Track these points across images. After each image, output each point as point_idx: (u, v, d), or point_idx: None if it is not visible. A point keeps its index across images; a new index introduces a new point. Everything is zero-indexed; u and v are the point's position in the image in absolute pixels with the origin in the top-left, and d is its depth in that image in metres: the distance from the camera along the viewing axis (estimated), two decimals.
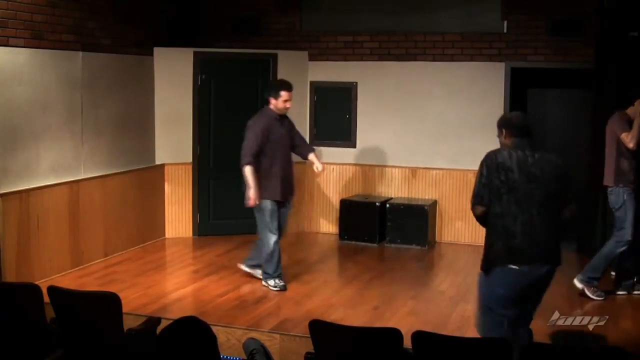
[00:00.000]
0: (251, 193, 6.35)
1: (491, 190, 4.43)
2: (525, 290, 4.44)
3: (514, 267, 4.36)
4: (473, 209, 4.53)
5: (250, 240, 8.33)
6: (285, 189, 6.57)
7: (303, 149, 6.85)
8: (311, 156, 6.80)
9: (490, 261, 4.46)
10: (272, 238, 6.47)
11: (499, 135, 4.69)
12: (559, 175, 4.48)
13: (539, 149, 4.55)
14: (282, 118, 6.58)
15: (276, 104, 6.48)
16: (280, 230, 6.64)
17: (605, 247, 6.37)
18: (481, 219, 4.54)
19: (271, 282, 6.54)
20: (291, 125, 6.72)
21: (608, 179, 6.37)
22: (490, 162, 4.47)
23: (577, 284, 6.37)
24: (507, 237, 4.38)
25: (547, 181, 4.42)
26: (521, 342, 4.30)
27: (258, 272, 6.77)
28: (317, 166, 6.74)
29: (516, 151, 4.48)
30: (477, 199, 4.47)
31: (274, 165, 6.47)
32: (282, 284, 6.54)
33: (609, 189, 6.36)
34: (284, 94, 6.46)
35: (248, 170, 6.33)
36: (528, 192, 4.39)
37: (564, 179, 4.50)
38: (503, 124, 4.68)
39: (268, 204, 6.46)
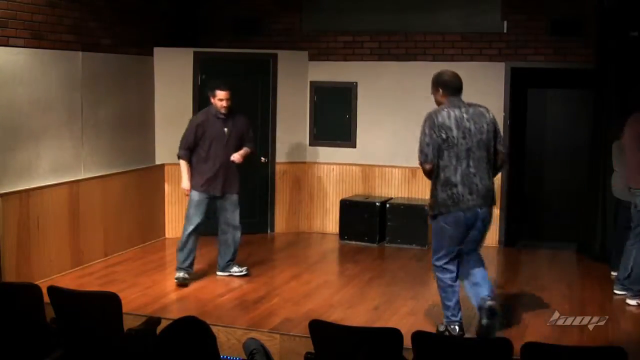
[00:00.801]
0: (182, 184, 6.73)
1: (434, 147, 5.11)
2: (468, 229, 5.21)
3: (457, 212, 5.13)
4: (422, 165, 5.21)
5: (249, 240, 8.36)
6: (218, 184, 6.67)
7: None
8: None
9: (438, 208, 5.21)
10: (189, 229, 6.68)
11: (434, 93, 5.33)
12: (489, 126, 5.21)
13: (471, 104, 5.27)
14: (228, 117, 6.67)
15: (214, 103, 6.65)
16: (231, 224, 6.80)
17: (638, 256, 6.23)
18: (429, 173, 5.23)
19: (179, 273, 6.67)
20: (241, 125, 6.79)
21: (633, 180, 6.21)
22: (432, 123, 5.14)
23: (631, 301, 6.23)
24: (449, 187, 5.12)
25: (479, 133, 5.15)
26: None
27: (235, 270, 6.91)
28: (234, 155, 6.71)
29: (453, 110, 5.16)
30: (425, 157, 5.17)
31: (208, 160, 6.64)
32: (182, 276, 6.64)
33: (633, 191, 6.20)
34: (219, 93, 6.60)
35: (180, 163, 6.74)
36: (464, 146, 5.10)
37: (494, 130, 5.24)
38: (440, 84, 5.32)
39: (195, 195, 6.68)
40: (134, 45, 8.00)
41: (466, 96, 8.99)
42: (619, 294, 6.41)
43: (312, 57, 8.91)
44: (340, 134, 8.88)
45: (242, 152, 6.75)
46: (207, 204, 6.75)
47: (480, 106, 5.33)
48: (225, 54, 8.64)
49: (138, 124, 8.12)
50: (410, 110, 8.60)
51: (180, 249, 6.72)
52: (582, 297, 6.52)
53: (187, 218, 6.75)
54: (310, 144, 9.00)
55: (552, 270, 7.47)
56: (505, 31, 8.26)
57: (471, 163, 5.12)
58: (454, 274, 5.40)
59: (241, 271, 6.93)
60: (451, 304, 5.39)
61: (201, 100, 8.46)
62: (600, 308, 6.12)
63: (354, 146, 8.86)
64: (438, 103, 5.33)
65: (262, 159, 8.73)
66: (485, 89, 8.20)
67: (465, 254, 5.38)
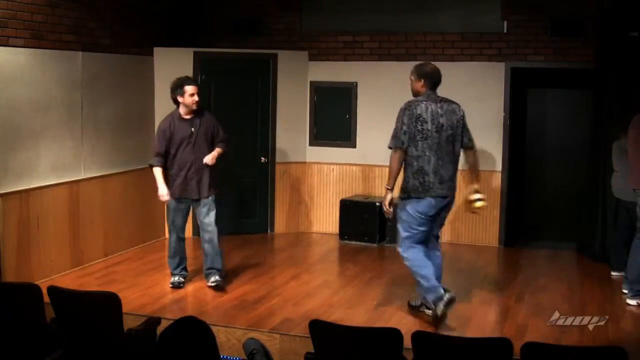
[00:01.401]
0: (159, 191, 6.48)
1: (409, 137, 5.45)
2: (434, 214, 5.61)
3: (427, 198, 5.51)
4: (394, 150, 5.52)
5: (249, 240, 8.36)
6: (192, 187, 6.47)
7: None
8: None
9: (408, 193, 5.59)
10: (173, 236, 6.63)
11: (415, 81, 5.59)
12: (459, 123, 5.56)
13: (445, 99, 5.57)
14: (194, 117, 6.48)
15: (184, 101, 6.42)
16: (206, 229, 6.54)
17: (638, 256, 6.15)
18: (398, 159, 5.53)
19: (174, 278, 6.63)
20: (208, 124, 6.55)
21: (636, 182, 6.10)
22: (410, 114, 5.46)
23: (631, 301, 6.17)
24: (422, 175, 5.50)
25: (450, 129, 5.52)
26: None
27: (211, 280, 6.55)
28: (206, 158, 6.52)
29: (430, 104, 5.48)
30: (400, 143, 5.50)
31: (176, 164, 6.49)
32: (177, 280, 6.61)
33: (637, 192, 6.12)
34: (188, 89, 6.39)
35: (154, 171, 6.51)
36: (436, 139, 5.47)
37: (462, 125, 5.59)
38: (423, 75, 5.58)
39: (171, 202, 6.58)
40: (134, 45, 8.00)
41: (466, 96, 9.02)
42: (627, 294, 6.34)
43: (312, 57, 8.90)
44: (340, 134, 8.88)
45: (214, 153, 6.53)
46: (186, 207, 6.61)
47: (453, 102, 5.62)
48: (225, 54, 8.64)
49: (138, 123, 8.12)
50: None
51: (171, 256, 6.66)
52: (582, 297, 6.52)
53: (169, 225, 6.68)
54: (310, 144, 8.99)
55: (552, 270, 7.47)
56: (505, 31, 8.26)
57: (440, 156, 5.49)
58: (422, 249, 5.64)
59: (214, 282, 6.52)
60: (427, 272, 5.52)
61: (201, 101, 8.41)
62: (600, 308, 6.12)
63: (354, 146, 8.85)
64: (415, 92, 5.60)
65: (262, 159, 8.73)
66: (485, 89, 8.22)
67: (426, 239, 5.73)
